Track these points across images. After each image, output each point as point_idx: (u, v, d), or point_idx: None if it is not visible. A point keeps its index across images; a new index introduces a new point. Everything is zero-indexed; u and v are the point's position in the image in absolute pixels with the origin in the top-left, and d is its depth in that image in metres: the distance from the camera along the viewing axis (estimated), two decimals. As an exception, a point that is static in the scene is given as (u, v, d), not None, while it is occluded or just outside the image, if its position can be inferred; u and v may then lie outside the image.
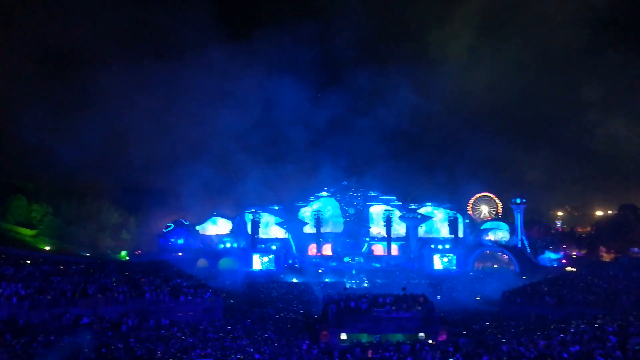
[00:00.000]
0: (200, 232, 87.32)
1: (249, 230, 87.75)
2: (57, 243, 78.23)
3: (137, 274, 48.66)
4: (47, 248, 75.04)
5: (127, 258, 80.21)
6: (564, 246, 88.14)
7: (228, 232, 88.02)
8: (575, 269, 71.01)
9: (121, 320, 37.61)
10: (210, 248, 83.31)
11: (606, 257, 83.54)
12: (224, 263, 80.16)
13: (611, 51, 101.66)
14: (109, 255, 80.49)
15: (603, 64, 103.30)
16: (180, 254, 79.98)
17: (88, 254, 77.37)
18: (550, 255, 79.87)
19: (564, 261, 79.17)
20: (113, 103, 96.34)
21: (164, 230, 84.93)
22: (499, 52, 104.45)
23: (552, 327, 34.36)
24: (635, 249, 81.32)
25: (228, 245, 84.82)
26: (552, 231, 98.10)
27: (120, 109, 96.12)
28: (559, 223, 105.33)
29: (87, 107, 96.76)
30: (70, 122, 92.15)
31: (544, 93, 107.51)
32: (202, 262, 79.10)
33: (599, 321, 33.46)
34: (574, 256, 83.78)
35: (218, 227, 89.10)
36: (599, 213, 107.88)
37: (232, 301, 51.61)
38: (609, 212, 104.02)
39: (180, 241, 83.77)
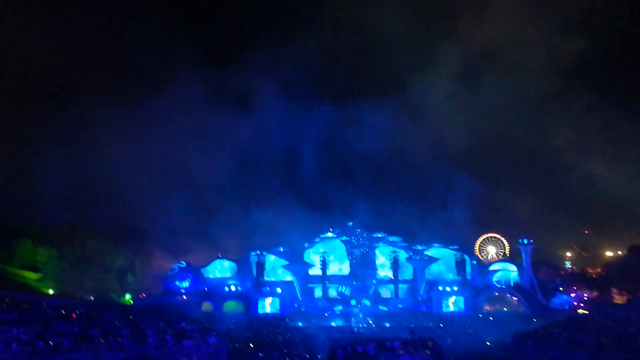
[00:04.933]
0: (205, 275, 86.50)
1: (254, 273, 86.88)
2: (60, 287, 77.60)
3: (141, 317, 48.01)
4: (51, 292, 74.41)
5: (132, 302, 79.25)
6: (575, 287, 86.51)
7: (232, 274, 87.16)
8: (587, 312, 69.49)
9: (124, 365, 36.92)
10: (215, 291, 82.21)
11: (618, 299, 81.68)
12: (229, 306, 79.06)
13: (579, 97, 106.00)
14: (113, 299, 79.64)
15: (572, 109, 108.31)
16: (184, 297, 79.03)
17: (91, 298, 76.66)
18: (563, 297, 78.36)
19: (575, 303, 77.54)
20: (110, 146, 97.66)
21: (168, 273, 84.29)
22: (477, 98, 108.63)
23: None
24: (648, 291, 79.70)
25: (233, 288, 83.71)
26: (562, 272, 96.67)
27: (117, 151, 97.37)
28: (568, 264, 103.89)
29: (84, 148, 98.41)
30: (68, 164, 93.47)
31: (523, 136, 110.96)
32: (206, 306, 78.02)
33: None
34: (585, 298, 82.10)
35: (223, 269, 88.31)
36: (609, 254, 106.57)
37: (237, 345, 50.56)
38: (619, 252, 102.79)
39: (185, 284, 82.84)
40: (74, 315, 46.73)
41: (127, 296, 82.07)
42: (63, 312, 48.59)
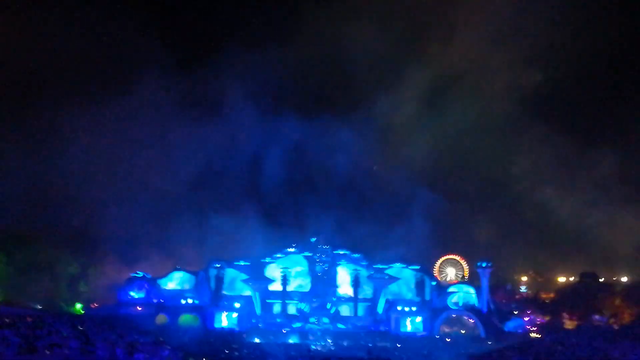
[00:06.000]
0: (161, 286, 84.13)
1: (212, 286, 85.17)
2: (6, 294, 73.79)
3: (91, 328, 46.14)
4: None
5: (82, 312, 76.21)
6: (529, 312, 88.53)
7: (190, 287, 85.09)
8: (539, 336, 71.12)
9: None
10: (171, 303, 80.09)
11: (569, 323, 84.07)
12: (185, 319, 77.15)
13: (535, 127, 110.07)
14: (63, 308, 76.37)
15: (530, 136, 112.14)
16: (139, 308, 76.69)
17: (40, 307, 73.27)
18: (517, 320, 80.00)
19: (528, 327, 79.27)
20: (65, 149, 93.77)
21: (123, 283, 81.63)
22: (441, 119, 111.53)
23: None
24: (597, 317, 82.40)
25: (190, 301, 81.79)
26: (517, 296, 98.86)
27: (72, 154, 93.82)
28: (523, 288, 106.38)
29: (38, 151, 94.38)
30: (20, 167, 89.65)
31: (483, 161, 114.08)
32: (161, 318, 75.91)
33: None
34: (538, 322, 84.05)
35: (180, 281, 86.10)
36: (561, 279, 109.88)
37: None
38: (571, 278, 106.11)
39: (140, 295, 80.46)
40: (19, 324, 44.45)
41: (78, 305, 78.95)
42: (7, 320, 46.12)
